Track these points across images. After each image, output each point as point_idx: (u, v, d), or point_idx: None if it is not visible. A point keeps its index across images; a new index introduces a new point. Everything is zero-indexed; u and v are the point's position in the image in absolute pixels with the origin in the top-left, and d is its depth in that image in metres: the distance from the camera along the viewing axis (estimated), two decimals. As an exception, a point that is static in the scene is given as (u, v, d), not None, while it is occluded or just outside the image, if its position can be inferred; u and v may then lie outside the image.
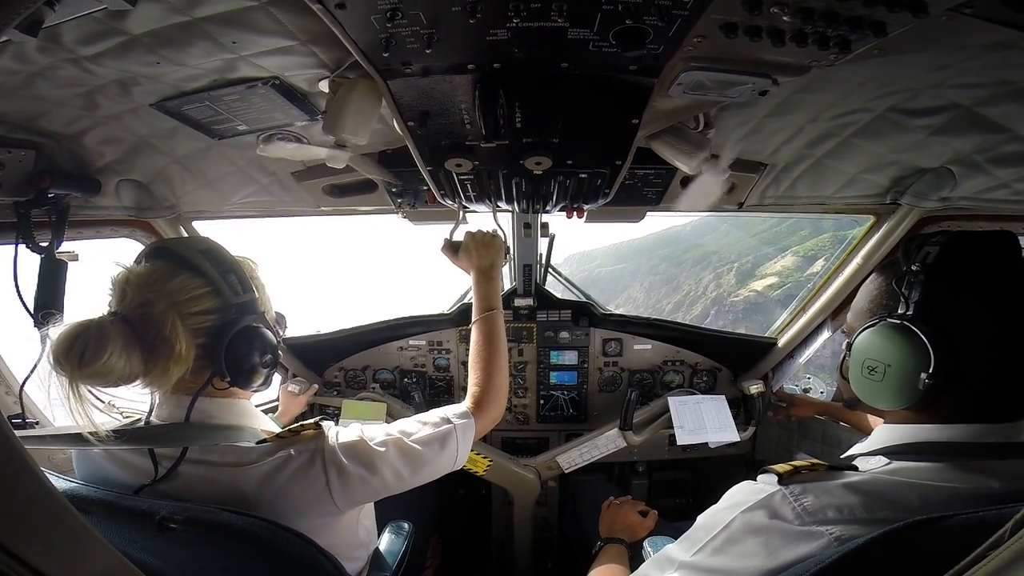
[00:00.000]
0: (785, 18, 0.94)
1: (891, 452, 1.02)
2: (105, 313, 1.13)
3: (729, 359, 3.09)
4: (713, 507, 1.07)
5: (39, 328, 1.63)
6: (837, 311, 2.55)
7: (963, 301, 0.97)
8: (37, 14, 0.68)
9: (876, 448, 1.06)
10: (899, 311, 1.02)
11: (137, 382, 1.16)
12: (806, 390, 2.96)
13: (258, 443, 1.20)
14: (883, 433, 1.09)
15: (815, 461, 1.01)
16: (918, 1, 0.89)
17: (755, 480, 1.05)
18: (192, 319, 1.17)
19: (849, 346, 1.12)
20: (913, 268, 1.02)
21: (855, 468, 0.99)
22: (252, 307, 1.27)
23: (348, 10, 0.94)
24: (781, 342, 2.86)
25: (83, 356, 1.03)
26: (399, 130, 1.42)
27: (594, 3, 0.93)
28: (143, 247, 2.05)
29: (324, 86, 1.38)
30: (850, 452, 1.14)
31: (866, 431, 1.99)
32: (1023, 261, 0.99)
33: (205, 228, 2.32)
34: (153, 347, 1.12)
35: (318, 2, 0.91)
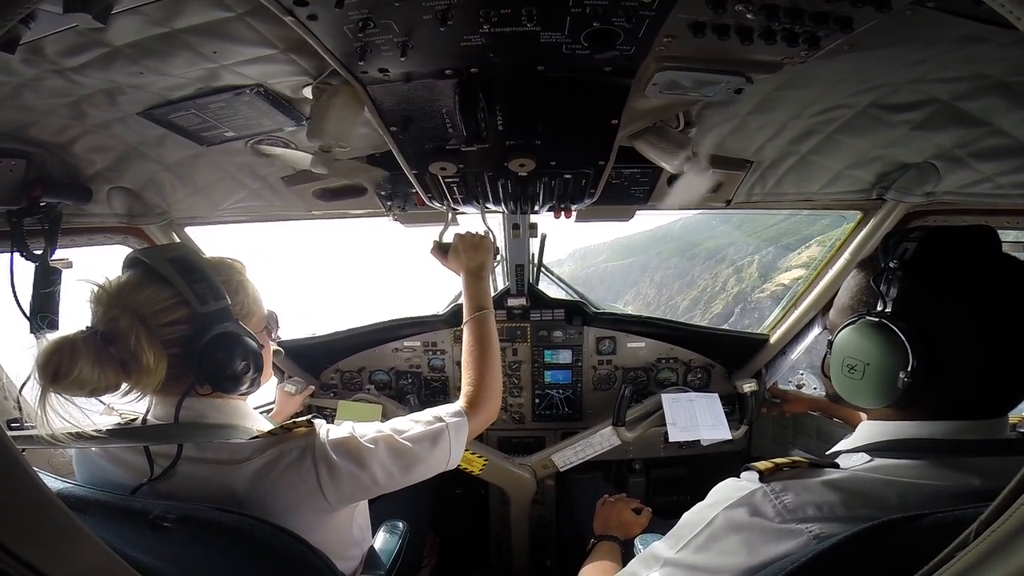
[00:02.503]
0: (750, 16, 0.95)
1: (872, 449, 1.02)
2: (83, 328, 1.17)
3: (722, 356, 3.10)
4: (698, 504, 1.08)
5: (35, 334, 1.67)
6: (827, 306, 2.54)
7: (941, 297, 0.97)
8: (13, 32, 0.70)
9: (858, 445, 1.06)
10: (878, 308, 1.02)
11: (120, 389, 1.19)
12: (799, 386, 2.97)
13: (250, 440, 1.22)
14: (865, 430, 1.09)
15: (797, 459, 1.01)
16: None
17: (739, 477, 1.05)
18: (161, 330, 1.19)
19: (830, 343, 1.12)
20: (891, 265, 1.02)
21: (837, 465, 0.99)
22: (224, 315, 1.27)
23: (320, 21, 0.96)
24: (773, 338, 2.87)
25: (57, 372, 1.08)
26: (383, 135, 1.44)
27: (562, 7, 0.95)
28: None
29: (308, 92, 1.40)
30: (834, 449, 1.14)
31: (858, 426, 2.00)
32: (1002, 256, 0.99)
33: (198, 234, 2.35)
34: (123, 360, 1.15)
35: (289, 14, 0.92)
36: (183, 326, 1.22)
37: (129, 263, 1.27)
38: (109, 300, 1.18)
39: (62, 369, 1.07)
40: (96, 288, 1.20)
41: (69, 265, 1.82)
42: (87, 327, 1.17)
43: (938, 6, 0.96)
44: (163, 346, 1.19)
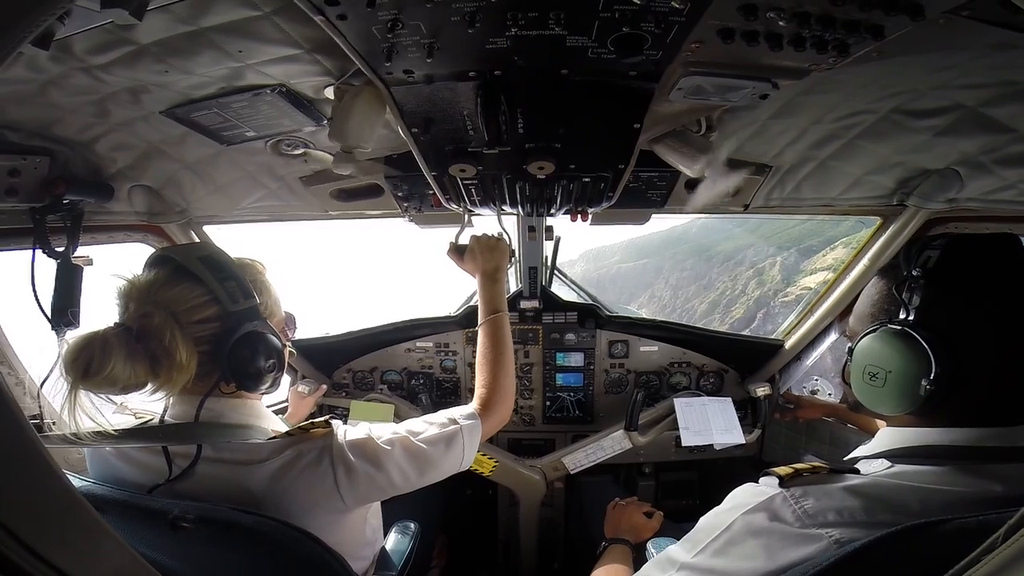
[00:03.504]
0: (781, 23, 0.95)
1: (893, 455, 1.02)
2: (112, 324, 1.17)
3: (736, 361, 3.07)
4: (715, 509, 1.08)
5: (56, 331, 1.68)
6: (844, 313, 2.53)
7: (964, 305, 0.97)
8: (49, 28, 0.71)
9: (878, 451, 1.06)
10: (900, 316, 1.02)
11: (147, 388, 1.19)
12: (813, 392, 2.94)
13: (268, 440, 1.23)
14: (885, 436, 1.09)
15: (816, 464, 1.00)
16: (914, 4, 0.89)
17: (757, 482, 1.05)
18: (193, 327, 1.20)
19: (851, 351, 1.11)
20: (914, 273, 1.01)
21: (857, 471, 0.99)
22: (252, 313, 1.28)
23: (349, 21, 0.96)
24: (788, 344, 2.85)
25: (88, 367, 1.08)
26: (404, 136, 1.44)
27: (591, 11, 0.95)
28: (154, 253, 2.08)
29: (330, 93, 1.41)
30: (853, 455, 1.13)
31: (873, 433, 1.99)
32: None
33: (216, 233, 2.36)
34: (155, 357, 1.16)
35: (320, 13, 0.93)
36: (213, 324, 1.23)
37: (156, 261, 1.27)
38: (140, 296, 1.19)
39: (93, 365, 1.08)
40: (125, 283, 1.21)
41: (90, 262, 1.83)
42: (116, 323, 1.18)
43: (973, 15, 0.95)
44: (194, 343, 1.20)
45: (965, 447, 0.96)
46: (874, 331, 1.05)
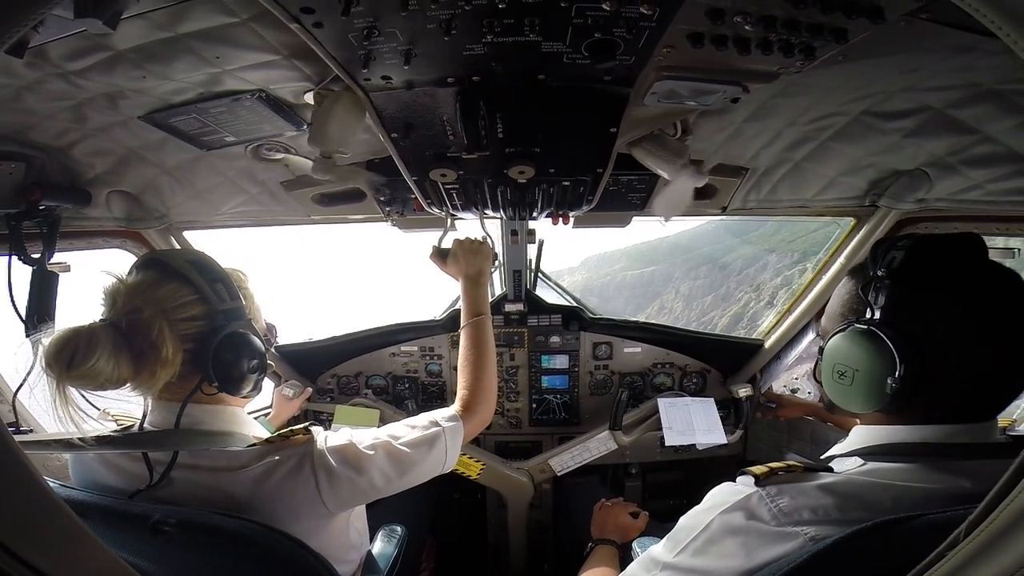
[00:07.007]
0: (747, 27, 0.97)
1: (866, 453, 1.04)
2: (97, 320, 1.16)
3: (718, 361, 3.12)
4: (694, 508, 1.09)
5: (31, 337, 1.66)
6: (821, 312, 2.57)
7: (928, 304, 0.98)
8: (23, 37, 0.71)
9: (852, 449, 1.08)
10: (867, 316, 1.04)
11: (127, 386, 1.18)
12: (794, 391, 2.99)
13: (248, 447, 1.23)
14: (858, 434, 1.11)
15: (791, 463, 1.02)
16: (874, 7, 0.92)
17: (735, 481, 1.06)
18: (180, 325, 1.20)
19: (821, 350, 1.13)
20: (879, 273, 1.04)
21: (831, 469, 1.01)
22: (239, 314, 1.30)
23: (325, 29, 0.97)
24: (768, 344, 2.89)
25: (72, 359, 1.06)
26: (383, 141, 1.45)
27: (564, 18, 0.96)
28: (134, 258, 2.08)
29: (309, 98, 1.41)
30: (828, 453, 1.15)
31: (850, 431, 2.02)
32: (987, 263, 1.01)
33: (196, 238, 2.35)
34: (141, 351, 1.15)
35: (296, 21, 0.94)
36: (200, 322, 1.23)
37: (145, 263, 1.28)
38: (129, 293, 1.18)
39: (77, 357, 1.06)
40: (114, 282, 1.20)
41: (67, 269, 1.82)
42: (103, 319, 1.17)
43: (931, 18, 0.98)
44: (180, 340, 1.20)
45: (935, 444, 0.98)
46: (842, 330, 1.07)
